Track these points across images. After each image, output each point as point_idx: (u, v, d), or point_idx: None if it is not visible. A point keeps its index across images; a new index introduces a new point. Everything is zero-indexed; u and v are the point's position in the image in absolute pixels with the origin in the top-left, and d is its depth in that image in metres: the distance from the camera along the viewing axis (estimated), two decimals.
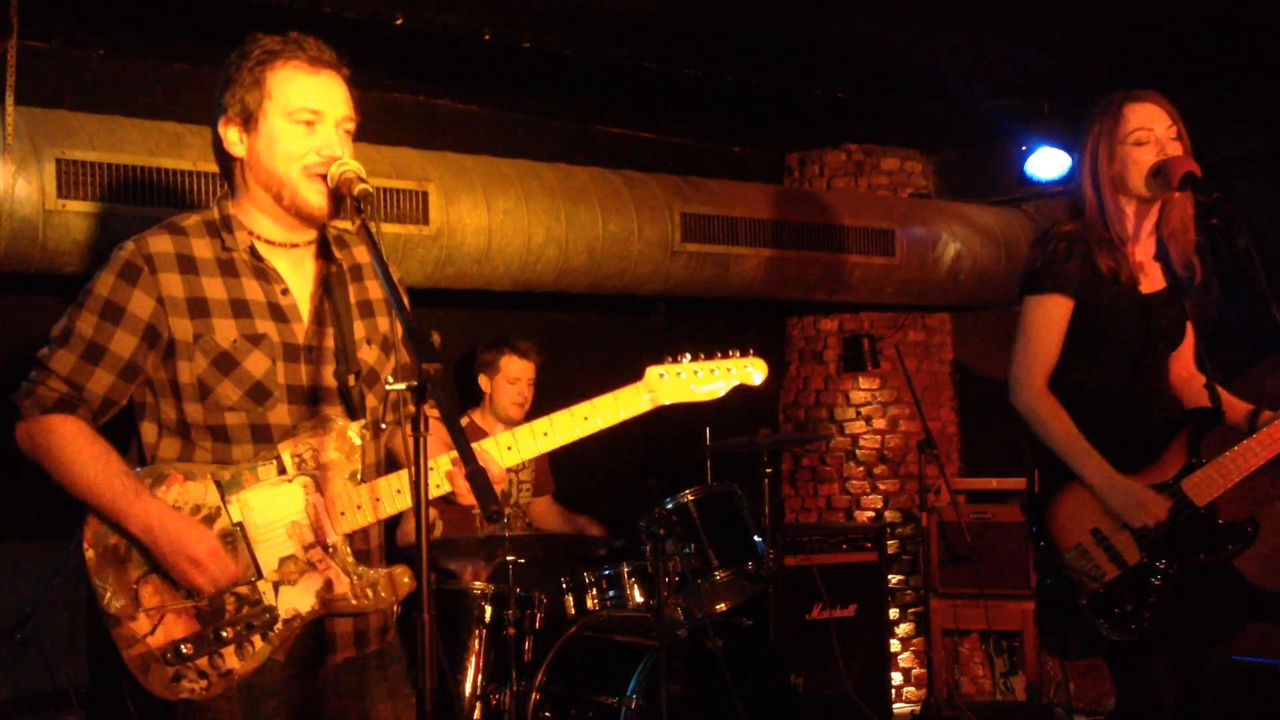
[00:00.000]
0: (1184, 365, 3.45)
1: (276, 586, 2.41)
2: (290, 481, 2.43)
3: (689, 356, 2.65)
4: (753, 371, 2.71)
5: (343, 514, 2.44)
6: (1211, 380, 3.32)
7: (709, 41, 5.04)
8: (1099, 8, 4.74)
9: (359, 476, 2.46)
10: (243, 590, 2.39)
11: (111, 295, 2.40)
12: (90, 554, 2.39)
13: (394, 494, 2.45)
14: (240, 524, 2.40)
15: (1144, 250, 3.35)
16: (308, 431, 2.45)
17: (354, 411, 2.50)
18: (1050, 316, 3.31)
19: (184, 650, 2.36)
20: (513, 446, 2.54)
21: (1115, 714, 3.39)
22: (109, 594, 2.37)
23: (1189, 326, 3.42)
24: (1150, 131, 3.28)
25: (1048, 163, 5.81)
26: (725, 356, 2.68)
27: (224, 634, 2.37)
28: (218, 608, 2.38)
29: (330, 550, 2.43)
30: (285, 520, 2.42)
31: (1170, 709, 3.19)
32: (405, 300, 2.70)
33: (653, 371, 2.62)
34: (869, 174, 6.77)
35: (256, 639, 2.39)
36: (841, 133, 6.64)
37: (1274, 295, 3.08)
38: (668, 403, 2.63)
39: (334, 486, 2.44)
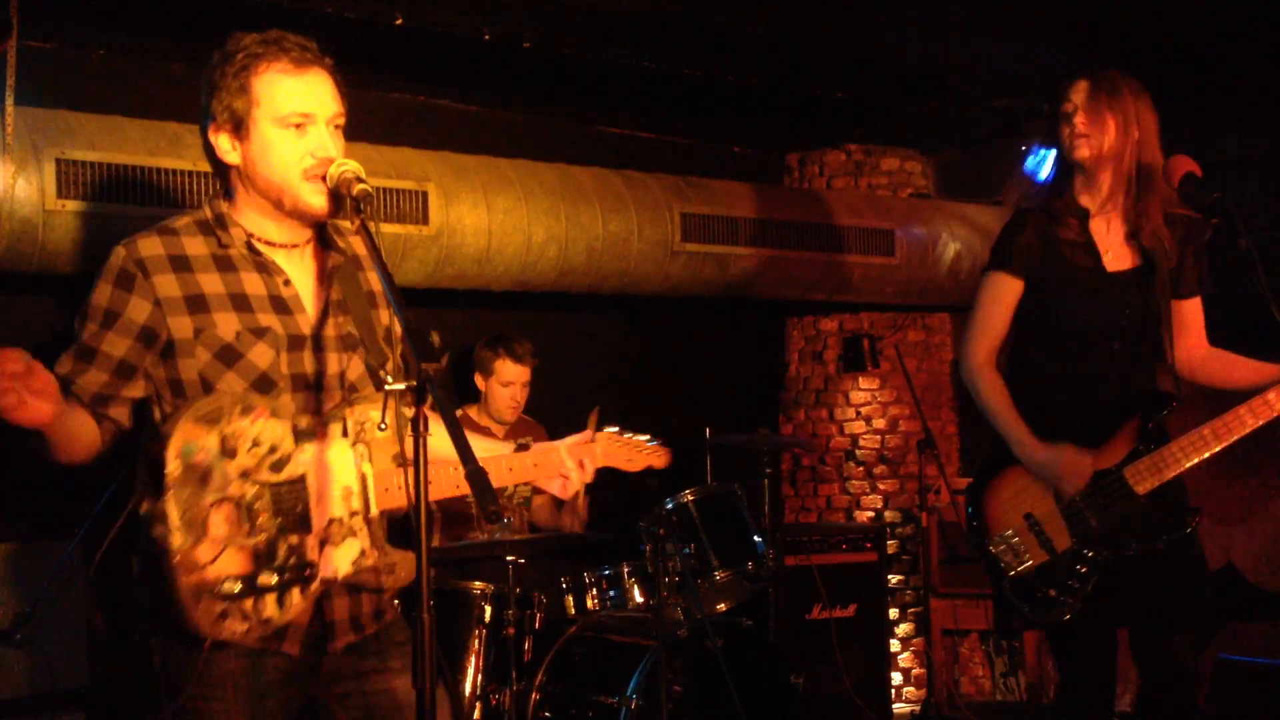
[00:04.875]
0: (1196, 343, 3.41)
1: (322, 545, 2.42)
2: (352, 446, 2.46)
3: (619, 427, 2.89)
4: (660, 454, 3.01)
5: (385, 490, 2.47)
6: (1171, 360, 3.32)
7: (709, 41, 5.04)
8: (1100, 8, 4.74)
9: (399, 459, 2.48)
10: (294, 540, 2.40)
11: (110, 304, 2.41)
12: (173, 466, 2.32)
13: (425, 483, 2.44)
14: (303, 475, 2.42)
15: (1113, 226, 3.34)
16: (371, 401, 2.47)
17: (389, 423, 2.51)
18: (996, 293, 3.37)
19: (236, 589, 2.34)
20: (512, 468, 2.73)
21: (1058, 694, 3.41)
22: (179, 515, 2.31)
23: (1184, 305, 3.38)
24: (1071, 104, 3.33)
25: (1047, 163, 5.80)
26: (640, 435, 2.96)
27: (271, 580, 2.37)
28: (272, 552, 2.38)
29: (369, 521, 2.46)
30: (341, 483, 2.45)
31: (1106, 696, 3.23)
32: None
33: (604, 435, 2.83)
34: (869, 174, 6.77)
35: (295, 592, 2.39)
36: (841, 133, 6.64)
37: (1274, 295, 3.08)
38: (609, 465, 2.86)
39: (380, 462, 2.47)
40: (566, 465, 2.72)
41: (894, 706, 6.06)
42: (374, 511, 2.46)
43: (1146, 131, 3.28)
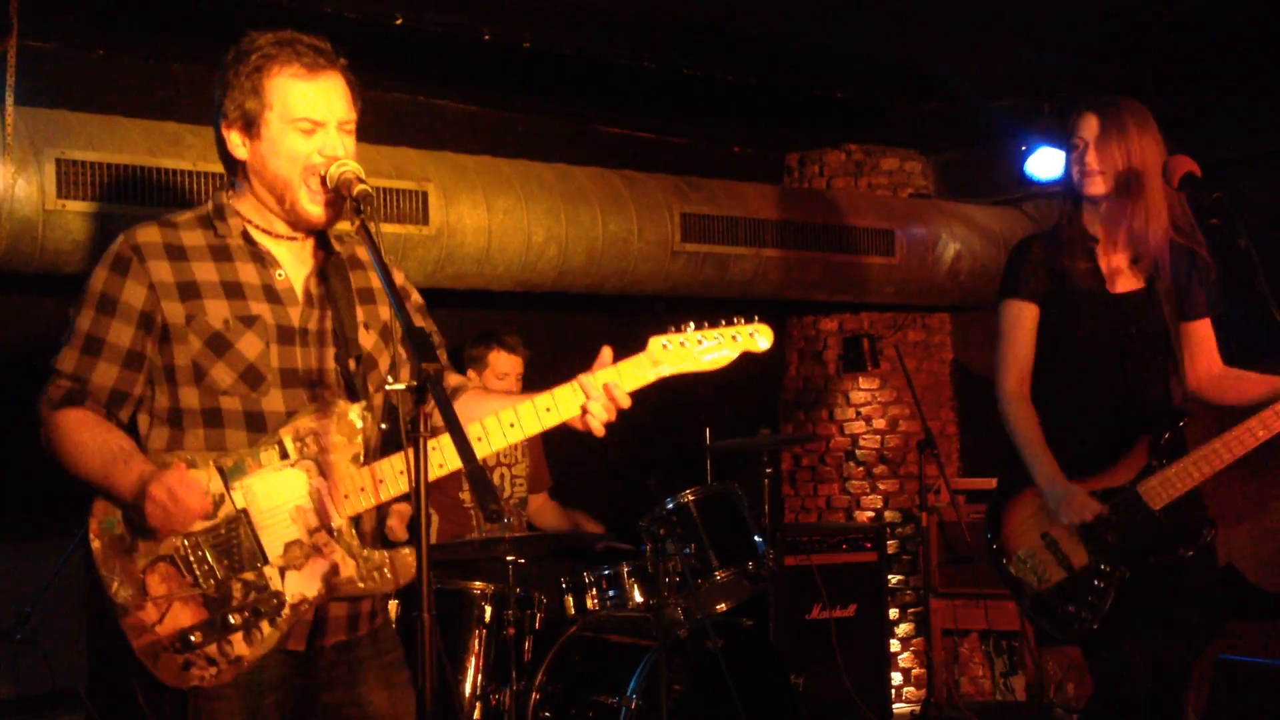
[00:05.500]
0: (1209, 364, 3.47)
1: (283, 572, 2.41)
2: (293, 466, 2.43)
3: (693, 325, 2.56)
4: (758, 338, 2.61)
5: (346, 497, 2.44)
6: (1182, 378, 3.39)
7: (709, 41, 5.04)
8: (1099, 8, 4.74)
9: (361, 459, 2.47)
10: (249, 576, 2.39)
11: (105, 289, 2.44)
12: (96, 544, 2.38)
13: (396, 475, 2.45)
14: (244, 510, 2.41)
15: (1118, 252, 3.40)
16: (309, 415, 2.45)
17: (354, 394, 2.51)
18: (1013, 319, 3.45)
19: (193, 639, 2.36)
20: (515, 424, 2.49)
21: (1091, 701, 3.45)
22: (116, 584, 2.36)
23: (1193, 327, 3.44)
24: (1081, 139, 3.37)
25: (1048, 163, 5.81)
26: (730, 324, 2.60)
27: (232, 620, 2.37)
28: (225, 595, 2.38)
29: (335, 534, 2.44)
30: (289, 505, 2.43)
31: (1144, 699, 3.23)
32: (417, 297, 2.72)
33: (655, 341, 2.53)
34: (869, 174, 6.77)
35: (265, 625, 2.39)
36: (841, 133, 6.64)
37: (1274, 295, 3.08)
38: (672, 373, 2.54)
39: (337, 469, 2.44)
40: (587, 396, 2.45)
41: (894, 706, 6.05)
42: (337, 523, 2.44)
43: (1151, 159, 3.34)
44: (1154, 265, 3.35)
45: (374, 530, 2.56)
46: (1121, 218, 3.34)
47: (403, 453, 2.38)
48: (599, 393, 2.46)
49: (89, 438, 2.40)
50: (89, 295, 2.45)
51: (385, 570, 2.47)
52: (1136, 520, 3.25)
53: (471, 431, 2.44)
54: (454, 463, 2.40)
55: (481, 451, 2.43)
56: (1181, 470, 3.25)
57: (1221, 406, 3.46)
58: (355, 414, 2.47)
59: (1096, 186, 3.35)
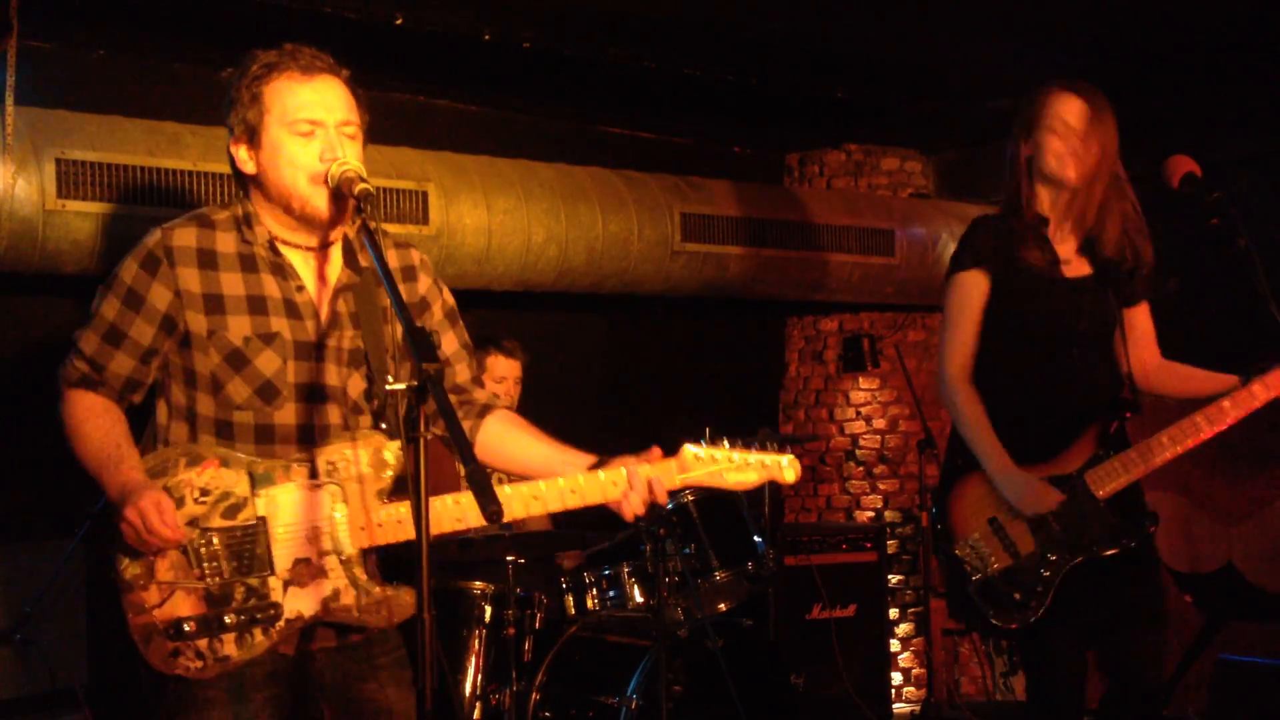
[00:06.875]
0: (1149, 353, 3.47)
1: (286, 585, 2.45)
2: (320, 487, 2.46)
3: (727, 442, 2.59)
4: (786, 468, 2.61)
5: (363, 529, 2.47)
6: (1128, 367, 3.39)
7: (709, 41, 5.04)
8: (1099, 8, 4.74)
9: (386, 495, 2.49)
10: (254, 582, 2.43)
11: (133, 283, 2.48)
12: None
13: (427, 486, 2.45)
14: (264, 519, 2.44)
15: (1069, 237, 3.38)
16: (346, 440, 2.49)
17: (391, 427, 2.53)
18: (966, 294, 3.37)
19: (186, 629, 2.40)
20: (539, 497, 2.51)
21: (1027, 695, 3.44)
22: (126, 560, 2.42)
23: (1133, 313, 3.44)
24: (1066, 124, 3.29)
25: None
26: (763, 449, 2.60)
27: (227, 620, 2.41)
28: (227, 595, 2.42)
29: (344, 562, 2.47)
30: (308, 524, 2.46)
31: (1072, 693, 3.23)
32: (448, 298, 2.73)
33: (689, 450, 2.57)
34: (869, 174, 6.77)
35: (257, 632, 2.42)
36: (841, 133, 6.64)
37: (1274, 295, 3.09)
38: (697, 483, 2.60)
39: (360, 501, 2.47)
40: (630, 486, 2.54)
41: (894, 706, 6.06)
42: (348, 552, 2.47)
43: (1113, 145, 3.32)
44: (1114, 250, 3.32)
45: (382, 567, 2.57)
46: (1079, 203, 3.32)
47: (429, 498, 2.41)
48: (641, 485, 2.53)
49: (93, 429, 2.47)
50: (117, 284, 2.49)
51: (382, 608, 2.49)
52: (1082, 510, 3.24)
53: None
54: (474, 519, 2.42)
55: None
56: (1126, 460, 3.24)
57: (1164, 397, 3.45)
58: (389, 451, 2.49)
59: (1073, 170, 3.29)
